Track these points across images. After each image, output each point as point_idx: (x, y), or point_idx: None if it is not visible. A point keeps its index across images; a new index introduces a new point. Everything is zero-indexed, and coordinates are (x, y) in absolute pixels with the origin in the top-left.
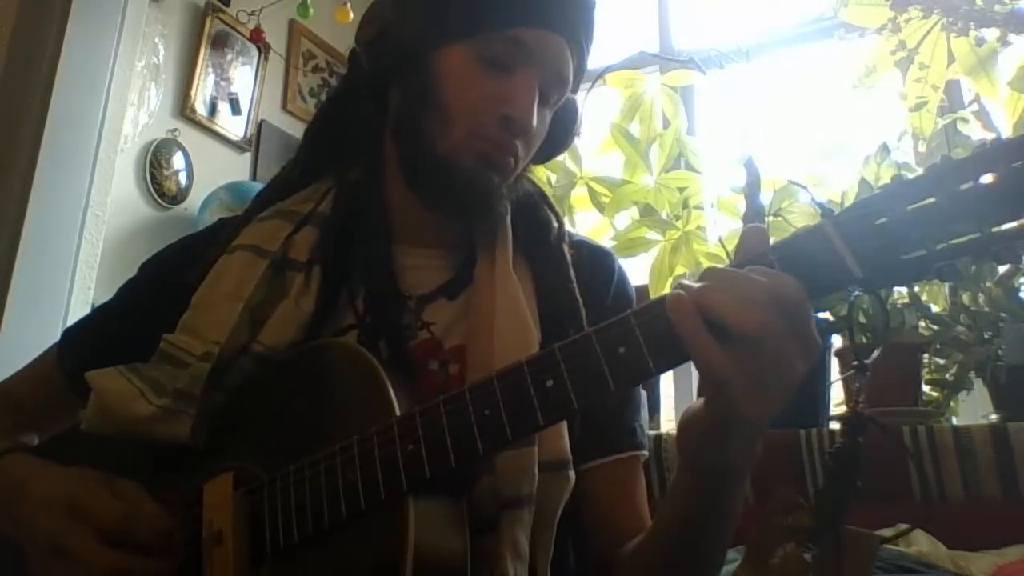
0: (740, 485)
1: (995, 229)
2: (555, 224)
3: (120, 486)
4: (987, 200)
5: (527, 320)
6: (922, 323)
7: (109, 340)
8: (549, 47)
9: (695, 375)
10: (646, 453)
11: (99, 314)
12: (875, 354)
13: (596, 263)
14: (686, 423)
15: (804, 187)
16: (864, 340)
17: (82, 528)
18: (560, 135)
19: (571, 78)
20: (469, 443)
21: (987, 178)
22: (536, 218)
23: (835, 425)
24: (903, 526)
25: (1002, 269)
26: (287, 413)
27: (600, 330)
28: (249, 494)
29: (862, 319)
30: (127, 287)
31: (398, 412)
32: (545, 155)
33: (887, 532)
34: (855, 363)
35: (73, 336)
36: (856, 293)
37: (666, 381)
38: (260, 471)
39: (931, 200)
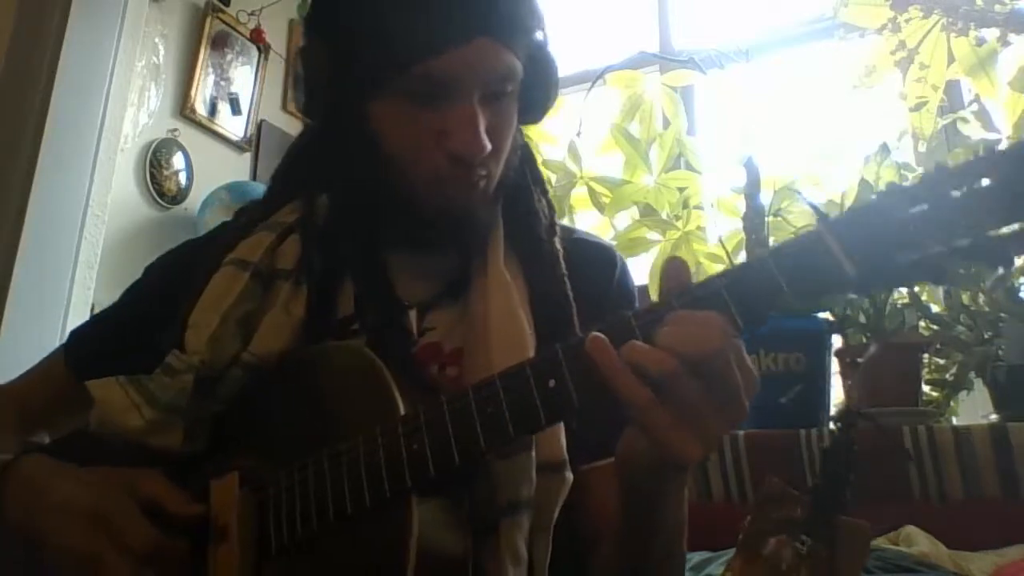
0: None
1: (988, 233)
2: (545, 216)
3: (143, 493)
4: (979, 206)
5: (522, 322)
6: (922, 323)
7: (114, 343)
8: (468, 62)
9: None
10: None
11: (105, 316)
12: (871, 350)
13: (597, 259)
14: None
15: (800, 193)
16: (864, 339)
17: (107, 541)
18: (540, 94)
19: (514, 61)
20: (473, 441)
21: (980, 184)
22: (525, 210)
23: (834, 425)
24: (905, 527)
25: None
26: (293, 414)
27: (602, 331)
28: (254, 493)
29: (862, 319)
30: (132, 290)
31: (402, 411)
32: (537, 114)
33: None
34: (848, 362)
35: (80, 336)
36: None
37: None
38: (266, 471)
39: (925, 206)
